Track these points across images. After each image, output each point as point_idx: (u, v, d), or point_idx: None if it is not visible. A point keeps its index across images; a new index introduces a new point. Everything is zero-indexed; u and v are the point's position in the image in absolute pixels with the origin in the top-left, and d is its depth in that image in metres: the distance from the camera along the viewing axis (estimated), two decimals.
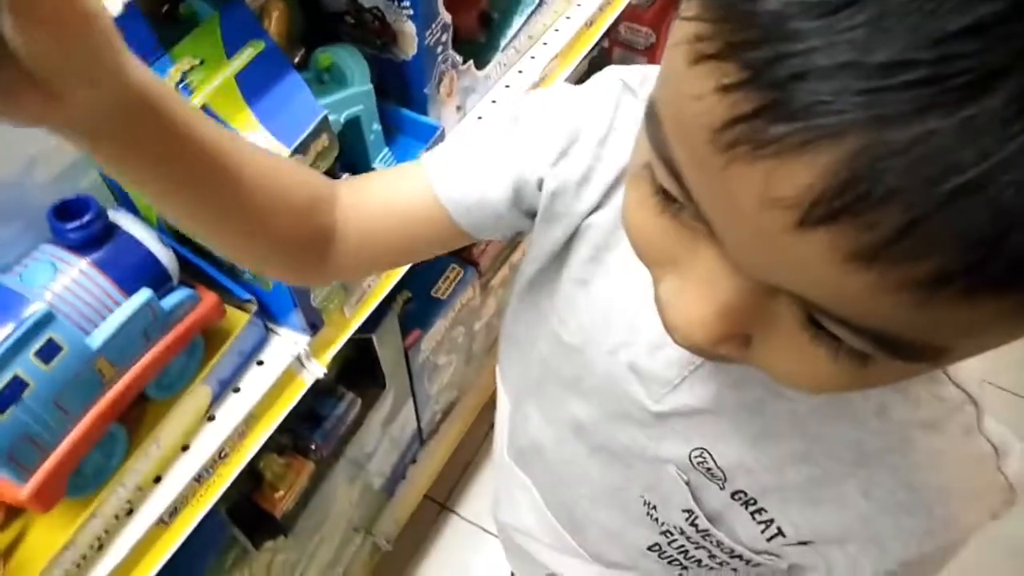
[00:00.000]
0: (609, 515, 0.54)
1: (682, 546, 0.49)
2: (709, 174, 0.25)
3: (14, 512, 0.63)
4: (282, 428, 0.78)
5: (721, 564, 0.49)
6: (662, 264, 0.32)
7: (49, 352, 0.56)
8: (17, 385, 0.55)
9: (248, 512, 0.91)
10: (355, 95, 0.75)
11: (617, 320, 0.46)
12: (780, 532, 0.44)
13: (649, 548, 0.52)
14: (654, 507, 0.49)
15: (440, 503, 1.50)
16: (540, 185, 0.47)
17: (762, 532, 0.45)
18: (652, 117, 0.28)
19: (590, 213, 0.45)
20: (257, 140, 0.64)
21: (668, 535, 0.50)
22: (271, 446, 0.91)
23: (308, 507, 0.98)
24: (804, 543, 0.45)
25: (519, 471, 0.62)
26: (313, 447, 0.97)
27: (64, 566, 0.62)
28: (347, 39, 0.79)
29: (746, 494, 0.44)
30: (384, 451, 1.18)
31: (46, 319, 0.55)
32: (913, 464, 0.40)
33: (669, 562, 0.52)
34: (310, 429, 0.97)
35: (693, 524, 0.47)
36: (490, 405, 1.08)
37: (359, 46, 0.77)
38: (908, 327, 0.24)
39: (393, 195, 0.49)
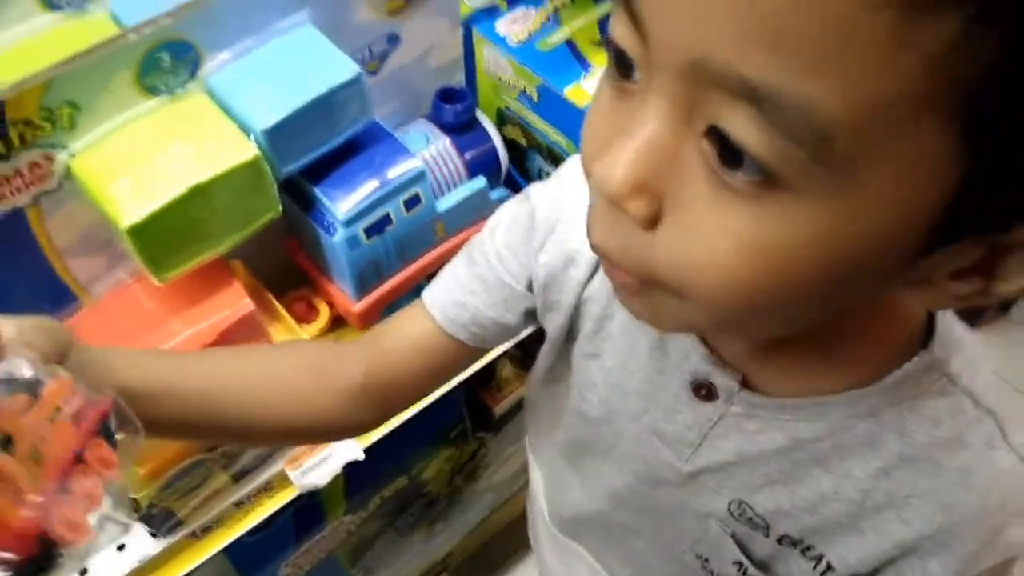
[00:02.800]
0: (667, 570, 0.54)
1: None
2: None
3: (335, 324, 0.77)
4: (521, 343, 0.87)
5: None
6: (601, 153, 0.31)
7: (412, 203, 0.69)
8: (385, 221, 0.68)
9: (473, 404, 1.03)
10: None
11: (631, 387, 0.46)
12: (830, 567, 0.43)
13: None
14: (707, 559, 0.49)
15: None
16: (530, 286, 0.48)
17: (813, 568, 0.44)
18: None
19: (584, 287, 0.47)
20: None
21: None
22: (510, 354, 1.02)
23: (517, 416, 1.08)
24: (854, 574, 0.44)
25: (569, 541, 0.61)
26: None
27: None
28: None
29: (792, 537, 0.44)
30: None
31: (420, 176, 0.68)
32: (945, 485, 0.39)
33: None
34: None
35: (744, 574, 0.47)
36: None
37: None
38: (834, 105, 0.23)
39: (405, 340, 0.52)
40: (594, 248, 0.33)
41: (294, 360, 0.52)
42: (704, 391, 0.42)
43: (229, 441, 0.51)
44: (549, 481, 0.61)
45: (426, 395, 0.56)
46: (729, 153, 0.26)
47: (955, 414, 0.39)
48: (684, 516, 0.48)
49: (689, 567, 0.50)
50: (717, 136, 0.26)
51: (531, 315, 0.50)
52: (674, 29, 0.26)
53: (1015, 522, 0.40)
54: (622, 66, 0.30)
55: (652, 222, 0.29)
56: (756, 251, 0.27)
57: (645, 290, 0.32)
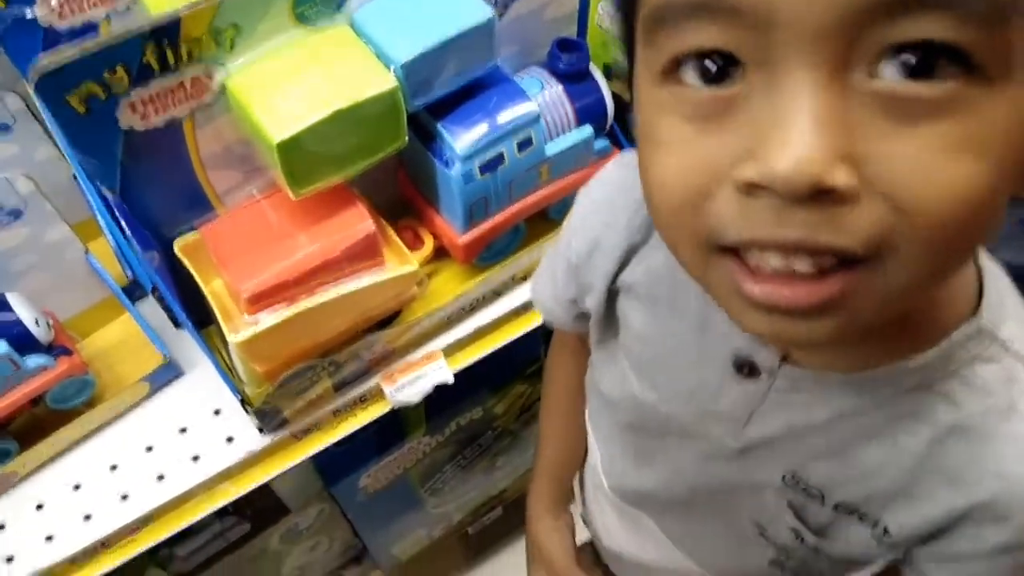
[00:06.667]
0: (727, 540, 0.55)
1: (803, 558, 0.50)
2: None
3: (438, 254, 0.82)
4: None
5: (842, 572, 0.50)
6: (715, 188, 0.29)
7: (524, 144, 0.73)
8: (498, 159, 0.72)
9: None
10: None
11: (680, 370, 0.47)
12: (887, 531, 0.43)
13: (771, 563, 0.52)
14: (764, 528, 0.50)
15: None
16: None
17: (871, 535, 0.44)
18: None
19: (614, 277, 0.49)
20: None
21: (784, 552, 0.50)
22: None
23: None
24: (913, 540, 0.44)
25: (628, 507, 0.63)
26: None
27: (456, 306, 0.80)
28: None
29: (847, 504, 0.44)
30: None
31: (534, 119, 0.72)
32: (998, 454, 0.39)
33: (795, 573, 0.52)
34: None
35: (801, 541, 0.47)
36: None
37: None
38: None
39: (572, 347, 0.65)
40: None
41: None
42: (747, 369, 0.43)
43: None
44: (607, 457, 0.63)
45: None
46: (920, 66, 0.26)
47: (1007, 381, 0.38)
48: (740, 489, 0.49)
49: (747, 536, 0.51)
50: (897, 59, 0.26)
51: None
52: None
53: None
54: (712, 75, 0.29)
55: (856, 194, 0.27)
56: (975, 154, 0.27)
57: (843, 298, 0.29)
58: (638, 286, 0.48)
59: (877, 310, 0.31)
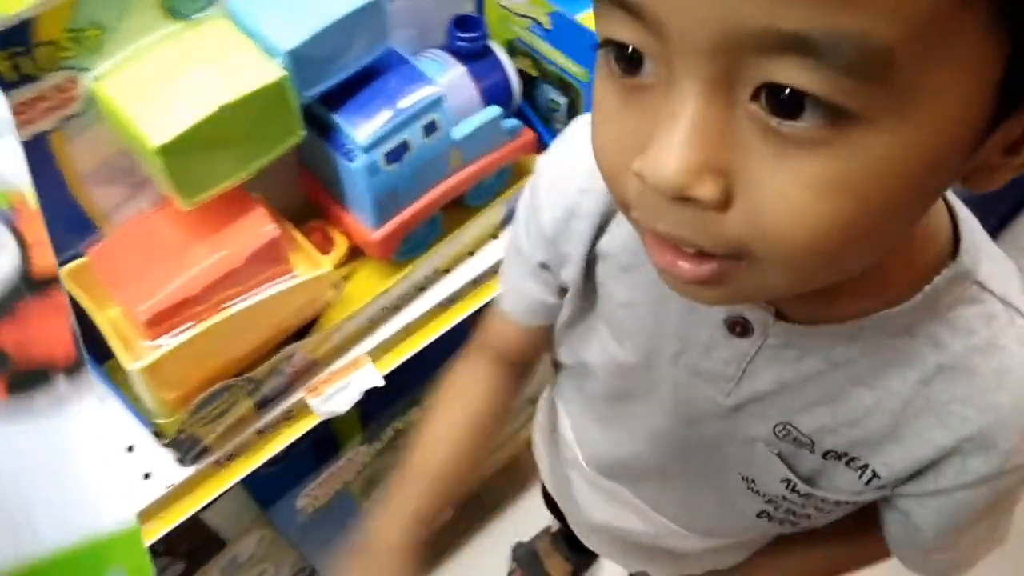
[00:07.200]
0: (714, 496, 0.55)
1: (789, 508, 0.51)
2: None
3: (352, 255, 0.78)
4: None
5: (829, 512, 0.51)
6: (628, 165, 0.31)
7: (430, 129, 0.69)
8: (403, 147, 0.68)
9: None
10: None
11: (668, 331, 0.47)
12: (875, 475, 0.45)
13: (758, 515, 0.54)
14: (753, 481, 0.50)
15: None
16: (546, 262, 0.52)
17: (859, 477, 0.46)
18: None
19: (593, 242, 0.48)
20: None
21: (772, 503, 0.51)
22: None
23: None
24: (900, 480, 0.46)
25: (605, 480, 0.63)
26: None
27: (378, 306, 0.76)
28: None
29: (836, 451, 0.45)
30: None
31: (437, 101, 0.68)
32: (982, 388, 0.41)
33: (780, 523, 0.53)
34: None
35: (794, 491, 0.49)
36: None
37: None
38: (884, 28, 0.24)
39: (509, 340, 0.59)
40: (665, 236, 0.32)
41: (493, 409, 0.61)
42: (739, 327, 0.43)
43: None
44: (580, 429, 0.62)
45: None
46: (787, 105, 0.26)
47: (988, 320, 0.40)
48: (729, 445, 0.49)
49: (734, 491, 0.52)
50: (770, 93, 0.26)
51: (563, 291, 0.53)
52: (694, 10, 0.26)
53: None
54: (626, 63, 0.30)
55: (725, 202, 0.29)
56: (837, 193, 0.27)
57: (722, 272, 0.32)
58: (617, 254, 0.47)
59: (762, 294, 0.35)
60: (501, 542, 1.34)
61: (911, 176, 0.28)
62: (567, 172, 0.48)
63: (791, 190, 0.28)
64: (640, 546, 0.69)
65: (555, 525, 1.22)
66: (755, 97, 0.27)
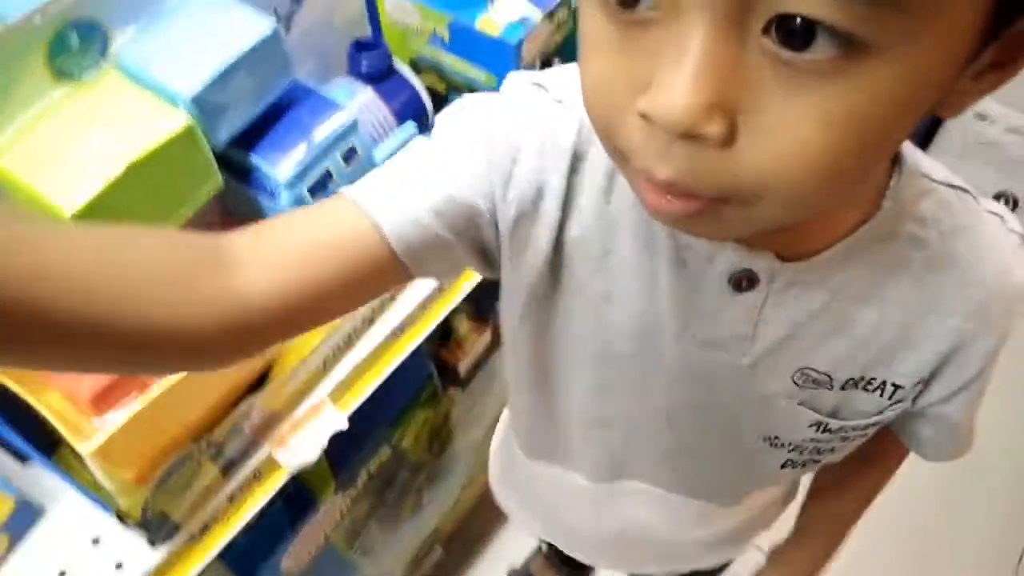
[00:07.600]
0: (734, 464, 0.55)
1: (815, 448, 0.51)
2: None
3: None
4: (469, 297, 0.87)
5: (854, 440, 0.51)
6: (628, 107, 0.30)
7: (350, 156, 0.68)
8: (326, 177, 0.67)
9: (436, 365, 1.03)
10: None
11: (664, 310, 0.45)
12: (896, 387, 0.47)
13: (783, 466, 0.53)
14: (776, 438, 0.51)
15: None
16: (496, 223, 0.44)
17: (881, 395, 0.47)
18: None
19: (560, 228, 0.44)
20: None
21: (797, 449, 0.51)
22: (462, 309, 1.02)
23: (482, 369, 1.09)
24: (921, 382, 0.47)
25: (620, 482, 0.60)
26: (489, 318, 1.08)
27: (329, 346, 0.74)
28: None
29: (853, 378, 0.46)
30: None
31: (352, 127, 0.67)
32: (965, 267, 0.43)
33: (804, 465, 0.54)
34: (490, 301, 1.08)
35: (825, 430, 0.49)
36: None
37: None
38: None
39: (313, 234, 0.40)
40: (664, 184, 0.31)
41: (166, 258, 0.36)
42: (745, 281, 0.42)
43: (79, 347, 0.34)
44: (581, 442, 0.58)
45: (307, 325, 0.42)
46: (799, 36, 0.26)
47: (944, 205, 0.43)
48: (749, 407, 0.49)
49: (757, 451, 0.52)
50: (782, 24, 0.26)
51: (481, 253, 0.45)
52: None
53: (1016, 264, 0.45)
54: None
55: (731, 138, 0.29)
56: (842, 125, 0.28)
57: (711, 209, 0.32)
58: (588, 240, 0.44)
59: (752, 228, 0.35)
60: (496, 571, 1.32)
61: (909, 105, 0.29)
62: (535, 145, 0.42)
63: (800, 124, 0.28)
64: (640, 546, 0.68)
65: (544, 544, 1.21)
66: (766, 31, 0.27)
